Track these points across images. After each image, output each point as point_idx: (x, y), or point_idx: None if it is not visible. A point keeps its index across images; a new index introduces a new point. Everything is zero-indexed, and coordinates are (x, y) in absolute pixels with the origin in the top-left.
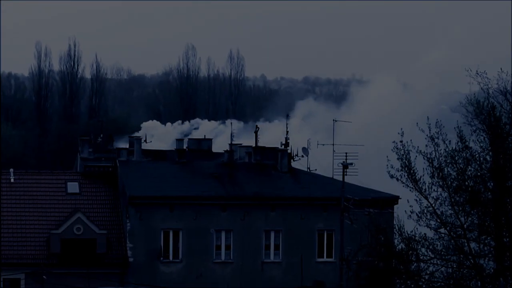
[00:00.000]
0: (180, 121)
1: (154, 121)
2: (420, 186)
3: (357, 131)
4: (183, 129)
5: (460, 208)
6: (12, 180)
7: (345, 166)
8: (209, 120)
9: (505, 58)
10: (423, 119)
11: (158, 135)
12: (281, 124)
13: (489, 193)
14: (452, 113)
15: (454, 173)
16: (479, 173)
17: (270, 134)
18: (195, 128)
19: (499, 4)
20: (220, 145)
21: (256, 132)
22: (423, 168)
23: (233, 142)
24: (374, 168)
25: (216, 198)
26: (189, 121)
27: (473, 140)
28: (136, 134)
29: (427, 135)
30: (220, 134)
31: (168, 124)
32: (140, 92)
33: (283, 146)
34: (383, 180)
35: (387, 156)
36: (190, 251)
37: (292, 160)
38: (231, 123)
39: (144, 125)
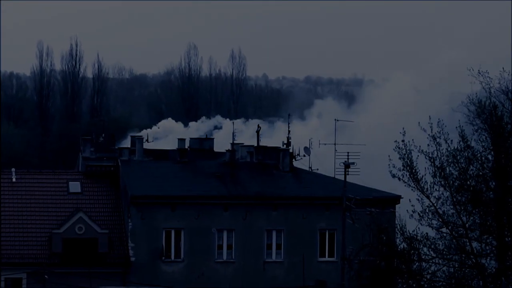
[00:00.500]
0: (204, 118)
1: (178, 121)
2: (422, 185)
3: (372, 130)
4: (205, 128)
5: (462, 208)
6: (14, 180)
7: (347, 165)
8: (231, 120)
9: (506, 58)
10: (434, 119)
11: (178, 135)
12: (299, 124)
13: (491, 192)
14: (454, 112)
15: (456, 173)
16: (481, 173)
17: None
18: (216, 128)
19: (504, 4)
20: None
21: (258, 132)
22: (425, 168)
23: (235, 142)
24: (381, 168)
25: (218, 198)
26: (210, 118)
27: (474, 139)
28: (153, 131)
29: (429, 135)
30: (241, 134)
31: (192, 123)
32: (141, 92)
33: (285, 146)
34: (389, 180)
35: (388, 156)
36: (192, 251)
37: (294, 160)
38: (233, 122)
39: (163, 123)
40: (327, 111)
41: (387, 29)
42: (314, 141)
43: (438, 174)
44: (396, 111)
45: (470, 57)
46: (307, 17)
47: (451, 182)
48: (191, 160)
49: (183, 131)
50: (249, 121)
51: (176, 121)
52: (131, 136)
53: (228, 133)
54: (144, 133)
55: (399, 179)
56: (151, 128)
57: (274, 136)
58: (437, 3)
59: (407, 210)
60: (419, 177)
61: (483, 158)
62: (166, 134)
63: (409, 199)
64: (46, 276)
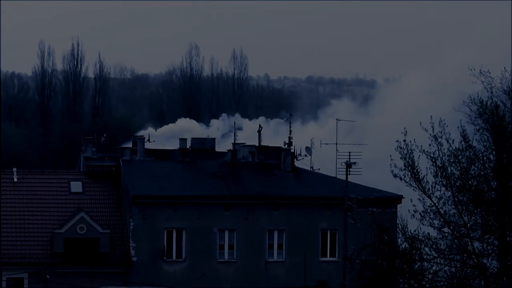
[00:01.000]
0: (224, 115)
1: (193, 120)
2: (424, 185)
3: (386, 131)
4: (225, 128)
5: (464, 207)
6: (15, 180)
7: (348, 165)
8: (250, 120)
9: (506, 57)
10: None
11: (196, 134)
12: (316, 125)
13: (493, 192)
14: (456, 112)
15: (458, 172)
16: (482, 172)
17: (306, 136)
18: (238, 129)
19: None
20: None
21: (259, 132)
22: (427, 168)
23: (237, 141)
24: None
25: (220, 198)
26: (228, 117)
27: (476, 139)
28: (169, 129)
29: (430, 134)
30: (251, 133)
31: (214, 120)
32: (143, 92)
33: (286, 146)
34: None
35: (390, 156)
36: (194, 251)
37: (295, 160)
38: (234, 122)
39: (181, 123)
40: (343, 112)
41: (388, 29)
42: (316, 141)
43: (439, 174)
44: (410, 111)
45: (480, 57)
46: (308, 17)
47: (453, 182)
48: (193, 160)
49: (203, 131)
50: (268, 121)
51: (198, 121)
52: (133, 136)
53: (249, 133)
54: (160, 131)
55: (400, 179)
56: (167, 124)
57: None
58: (437, 3)
59: (408, 210)
60: (420, 177)
61: (485, 158)
62: (182, 133)
63: (411, 199)
64: (47, 276)
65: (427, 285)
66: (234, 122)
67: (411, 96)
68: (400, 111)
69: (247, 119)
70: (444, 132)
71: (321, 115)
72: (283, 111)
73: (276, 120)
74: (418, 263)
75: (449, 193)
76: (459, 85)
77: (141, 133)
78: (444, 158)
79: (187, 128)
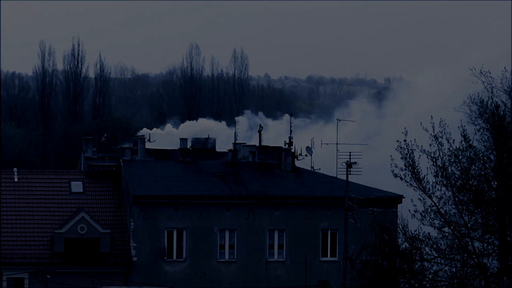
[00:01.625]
0: (249, 112)
1: (216, 120)
2: (424, 185)
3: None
4: (247, 128)
5: (464, 207)
6: (16, 180)
7: (349, 165)
8: (273, 120)
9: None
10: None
11: (216, 133)
12: (334, 125)
13: (493, 192)
14: (456, 112)
15: (458, 172)
16: (483, 172)
17: (325, 137)
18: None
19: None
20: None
21: (260, 132)
22: (427, 167)
23: (237, 141)
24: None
25: (220, 198)
26: (251, 115)
27: (477, 139)
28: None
29: (430, 134)
30: (276, 133)
31: (239, 118)
32: (144, 92)
33: (286, 145)
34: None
35: (391, 156)
36: (194, 251)
37: (296, 159)
38: (235, 122)
39: (202, 122)
40: (359, 113)
41: (388, 28)
42: (317, 141)
43: (440, 174)
44: (426, 111)
45: (497, 57)
46: (308, 17)
47: (453, 181)
48: (194, 159)
49: (225, 130)
50: (291, 120)
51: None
52: (133, 136)
53: (274, 133)
54: (179, 130)
55: (401, 178)
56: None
57: (305, 135)
58: (437, 3)
59: (409, 210)
60: (421, 176)
61: (485, 157)
62: (203, 132)
63: (411, 199)
64: (48, 276)
65: (428, 285)
66: (235, 122)
67: (427, 97)
68: (416, 111)
69: (270, 119)
70: (444, 132)
71: (338, 115)
72: (304, 110)
73: (300, 119)
74: (419, 263)
75: (450, 193)
76: (474, 85)
77: (159, 130)
78: (444, 158)
79: (208, 127)
